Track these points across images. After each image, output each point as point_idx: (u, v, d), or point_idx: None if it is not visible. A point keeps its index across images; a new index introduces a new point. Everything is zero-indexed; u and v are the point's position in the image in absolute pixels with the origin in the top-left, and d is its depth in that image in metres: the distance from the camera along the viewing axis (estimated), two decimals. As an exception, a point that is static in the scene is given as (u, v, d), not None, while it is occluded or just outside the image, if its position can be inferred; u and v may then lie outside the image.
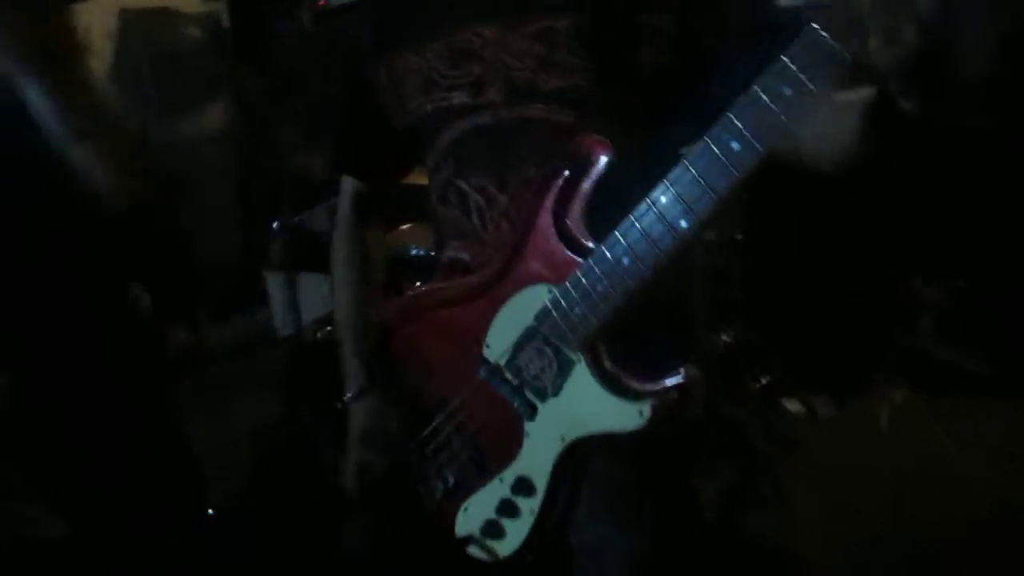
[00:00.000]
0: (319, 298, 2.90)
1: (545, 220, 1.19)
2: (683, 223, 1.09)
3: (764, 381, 2.92)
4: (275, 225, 3.04)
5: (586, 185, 1.17)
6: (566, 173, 1.17)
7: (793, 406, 2.96)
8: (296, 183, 3.51)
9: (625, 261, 1.13)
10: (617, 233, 1.13)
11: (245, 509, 2.50)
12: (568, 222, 1.18)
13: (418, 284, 1.37)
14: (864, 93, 2.41)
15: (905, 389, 2.94)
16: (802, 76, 0.95)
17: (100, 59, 6.39)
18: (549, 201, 1.19)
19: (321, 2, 4.39)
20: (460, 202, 1.29)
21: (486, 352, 1.26)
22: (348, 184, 1.49)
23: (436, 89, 1.28)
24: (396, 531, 1.44)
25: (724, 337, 2.89)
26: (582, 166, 1.17)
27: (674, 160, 1.14)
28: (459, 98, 1.26)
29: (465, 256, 1.30)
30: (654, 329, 1.17)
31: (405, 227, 2.52)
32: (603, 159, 1.15)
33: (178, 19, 6.30)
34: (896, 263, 3.12)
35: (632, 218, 1.12)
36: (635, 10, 1.22)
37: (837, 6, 0.95)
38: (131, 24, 6.44)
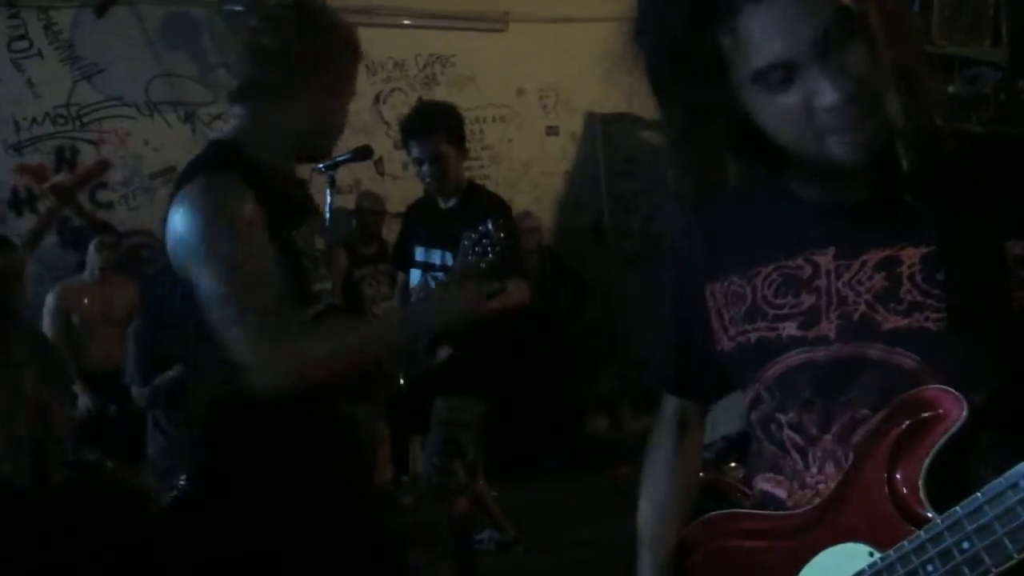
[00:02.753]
0: (733, 416, 2.83)
1: (876, 473, 1.02)
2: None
3: None
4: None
5: (932, 444, 0.98)
6: (906, 423, 1.00)
7: None
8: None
9: (965, 545, 0.94)
10: (960, 511, 0.94)
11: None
12: (903, 481, 1.00)
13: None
14: None
15: None
16: None
17: (567, 158, 6.93)
18: (883, 453, 1.02)
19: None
20: (779, 437, 1.15)
21: (791, 603, 1.10)
22: (669, 401, 1.41)
23: (763, 318, 1.16)
24: None
25: None
26: (929, 420, 0.99)
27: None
28: (788, 330, 1.13)
29: (780, 493, 1.16)
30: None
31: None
32: (956, 417, 0.97)
33: (636, 124, 6.63)
34: None
35: (981, 497, 0.93)
36: (996, 239, 1.02)
37: None
38: (594, 127, 6.90)
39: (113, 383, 4.23)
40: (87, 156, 5.41)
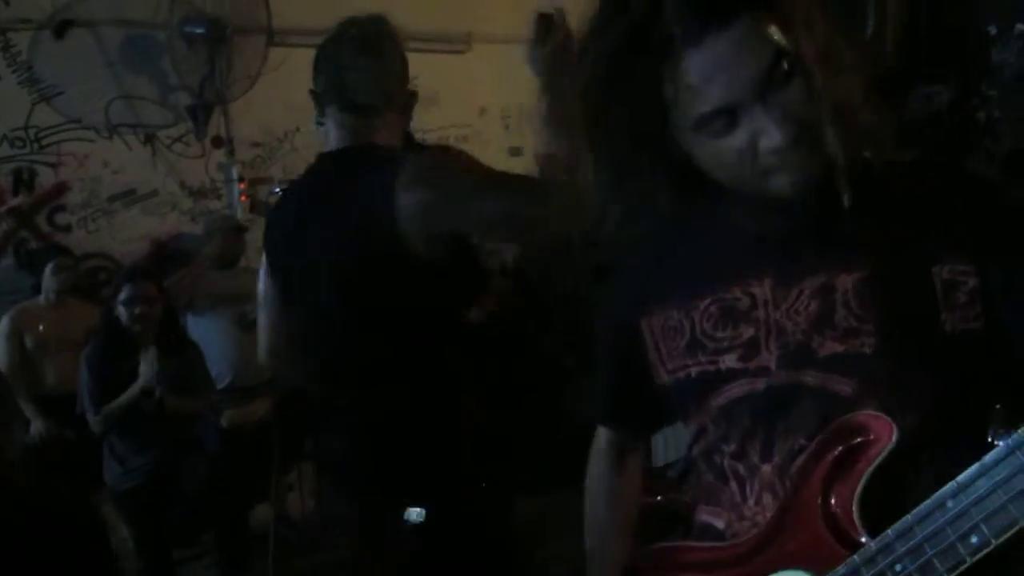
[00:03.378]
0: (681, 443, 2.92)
1: (811, 500, 1.04)
2: (974, 539, 0.90)
3: None
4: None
5: (865, 469, 0.99)
6: (839, 450, 1.01)
7: None
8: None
9: (898, 568, 0.96)
10: (891, 533, 0.96)
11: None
12: (837, 507, 1.01)
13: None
14: None
15: None
16: None
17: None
18: (818, 480, 1.03)
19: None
20: (721, 466, 1.16)
21: (731, 630, 1.10)
22: (605, 432, 1.41)
23: (703, 352, 1.16)
24: None
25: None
26: (860, 446, 1.00)
27: (978, 449, 0.94)
28: (728, 362, 1.13)
29: (719, 524, 1.16)
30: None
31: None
32: (886, 441, 0.98)
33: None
34: None
35: (911, 519, 0.94)
36: (925, 264, 1.04)
37: None
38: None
39: (69, 408, 4.17)
40: (45, 179, 5.35)
